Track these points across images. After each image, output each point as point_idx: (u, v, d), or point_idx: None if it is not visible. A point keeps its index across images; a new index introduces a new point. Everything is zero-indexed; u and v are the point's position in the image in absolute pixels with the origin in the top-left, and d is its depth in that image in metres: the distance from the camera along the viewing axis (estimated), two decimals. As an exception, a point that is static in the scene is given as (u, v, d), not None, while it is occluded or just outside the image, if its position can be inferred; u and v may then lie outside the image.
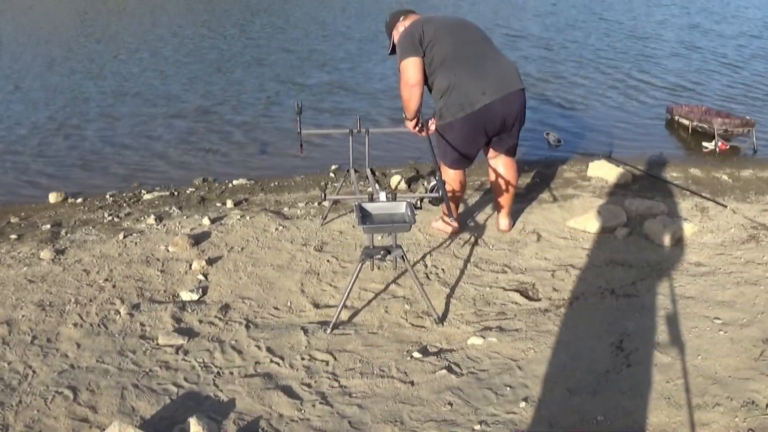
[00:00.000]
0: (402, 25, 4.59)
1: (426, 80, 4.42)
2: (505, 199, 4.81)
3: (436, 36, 4.33)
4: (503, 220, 4.89)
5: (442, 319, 3.75)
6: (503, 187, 4.75)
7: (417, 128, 4.44)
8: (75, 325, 3.71)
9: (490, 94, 4.29)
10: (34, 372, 3.30)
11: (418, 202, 5.28)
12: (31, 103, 9.07)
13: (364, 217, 3.59)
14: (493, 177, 4.76)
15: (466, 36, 4.47)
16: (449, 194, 4.50)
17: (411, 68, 4.33)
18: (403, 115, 4.48)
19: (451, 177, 4.62)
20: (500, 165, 4.69)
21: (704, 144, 7.25)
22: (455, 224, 4.83)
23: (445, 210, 3.32)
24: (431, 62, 4.35)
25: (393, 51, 4.64)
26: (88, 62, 10.73)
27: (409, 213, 3.57)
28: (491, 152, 4.68)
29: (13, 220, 5.49)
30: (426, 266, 4.36)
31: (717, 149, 7.11)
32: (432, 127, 4.47)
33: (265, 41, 12.02)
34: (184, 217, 5.31)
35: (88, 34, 12.56)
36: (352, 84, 9.63)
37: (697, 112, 7.79)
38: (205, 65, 10.66)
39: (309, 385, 3.21)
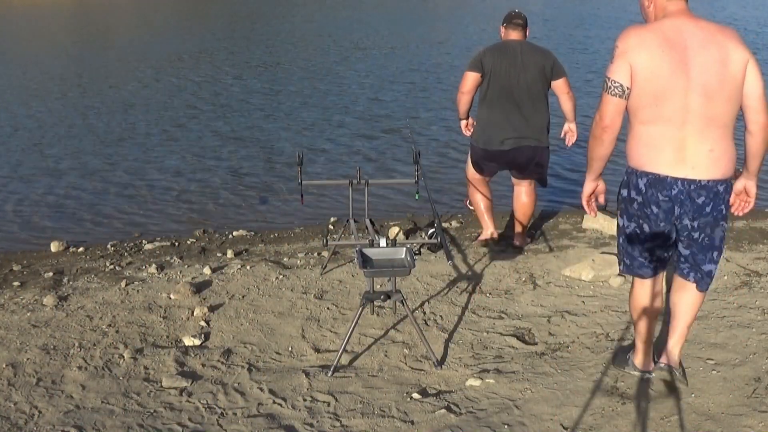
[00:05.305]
0: (501, 30, 5.35)
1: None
2: (520, 221, 5.56)
3: (492, 71, 5.09)
4: (518, 238, 5.60)
5: (440, 363, 3.81)
6: (520, 210, 5.51)
7: (465, 127, 5.46)
8: (79, 368, 3.77)
9: (507, 144, 5.17)
10: (40, 412, 3.36)
11: (419, 249, 5.46)
12: (31, 153, 9.22)
13: (365, 261, 3.69)
14: (515, 200, 5.54)
15: (517, 81, 5.10)
16: (473, 202, 5.62)
17: (465, 79, 5.20)
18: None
19: (470, 176, 5.53)
20: (522, 192, 5.48)
21: None
22: (488, 233, 5.59)
23: (446, 256, 3.45)
24: (483, 89, 5.19)
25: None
26: (91, 114, 10.93)
27: (409, 258, 3.66)
28: (513, 179, 5.53)
29: (16, 267, 5.57)
30: (424, 313, 4.44)
31: None
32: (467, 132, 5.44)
33: (269, 91, 12.28)
34: (185, 266, 5.40)
35: (88, 90, 12.84)
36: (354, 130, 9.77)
37: None
38: (205, 116, 10.84)
39: (311, 425, 3.26)
